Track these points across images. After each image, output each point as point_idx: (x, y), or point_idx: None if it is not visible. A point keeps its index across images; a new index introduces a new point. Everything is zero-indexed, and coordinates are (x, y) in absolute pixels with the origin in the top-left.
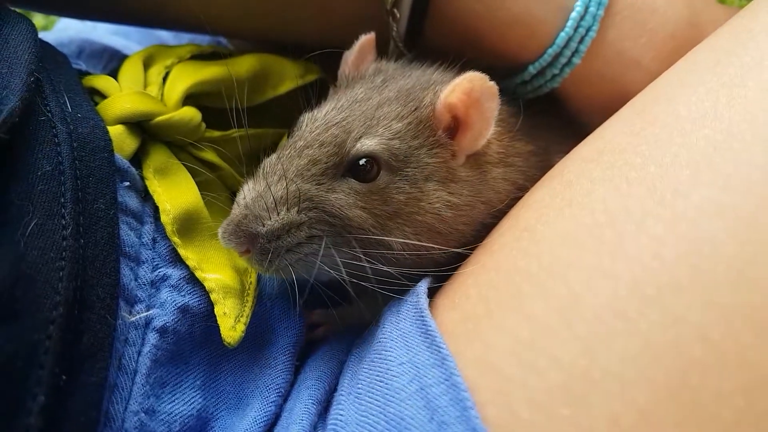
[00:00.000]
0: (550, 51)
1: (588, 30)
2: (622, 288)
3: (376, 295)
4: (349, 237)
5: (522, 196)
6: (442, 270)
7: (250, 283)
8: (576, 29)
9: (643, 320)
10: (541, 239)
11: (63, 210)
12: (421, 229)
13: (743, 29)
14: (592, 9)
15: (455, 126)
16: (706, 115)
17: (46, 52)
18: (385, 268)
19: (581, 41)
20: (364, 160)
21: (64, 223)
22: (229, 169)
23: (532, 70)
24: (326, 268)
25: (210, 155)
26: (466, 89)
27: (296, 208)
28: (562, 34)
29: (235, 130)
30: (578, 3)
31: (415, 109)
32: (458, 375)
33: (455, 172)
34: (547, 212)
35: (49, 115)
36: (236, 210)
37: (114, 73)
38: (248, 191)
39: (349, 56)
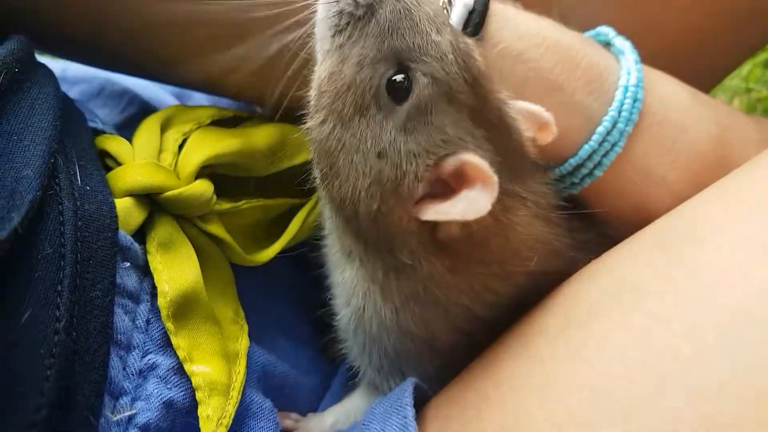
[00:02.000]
0: (572, 161)
1: (613, 145)
2: None
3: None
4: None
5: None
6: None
7: (238, 373)
8: (601, 143)
9: None
10: (554, 380)
11: (59, 299)
12: (334, 158)
13: None
14: (620, 125)
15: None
16: (736, 270)
17: (64, 110)
18: None
19: (605, 155)
20: (403, 76)
21: (58, 314)
22: (234, 244)
23: (551, 175)
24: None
25: (216, 229)
26: (480, 176)
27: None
28: (587, 146)
29: (245, 202)
30: (606, 117)
31: (459, 138)
32: None
33: (395, 201)
34: (561, 349)
35: (57, 188)
36: None
37: (131, 121)
38: None
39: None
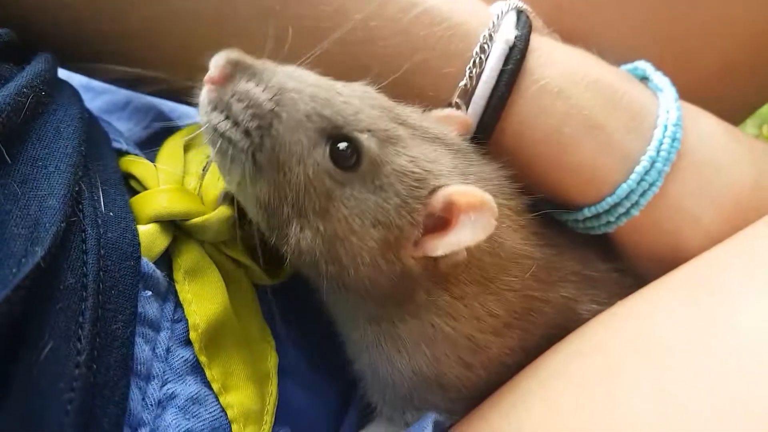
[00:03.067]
0: (610, 200)
1: (651, 185)
2: None
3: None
4: (266, 180)
5: None
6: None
7: (270, 394)
8: (639, 182)
9: None
10: None
11: (80, 332)
12: (326, 251)
13: None
14: (658, 165)
15: (434, 219)
16: (763, 333)
17: (88, 131)
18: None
19: (643, 194)
20: (347, 145)
21: (79, 347)
22: (254, 266)
23: (587, 213)
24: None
25: (238, 254)
26: (472, 203)
27: (275, 107)
28: (624, 186)
29: None
30: (645, 157)
31: (429, 171)
32: None
33: (399, 248)
34: (585, 403)
35: (81, 215)
36: (253, 59)
37: (156, 137)
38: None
39: (438, 112)
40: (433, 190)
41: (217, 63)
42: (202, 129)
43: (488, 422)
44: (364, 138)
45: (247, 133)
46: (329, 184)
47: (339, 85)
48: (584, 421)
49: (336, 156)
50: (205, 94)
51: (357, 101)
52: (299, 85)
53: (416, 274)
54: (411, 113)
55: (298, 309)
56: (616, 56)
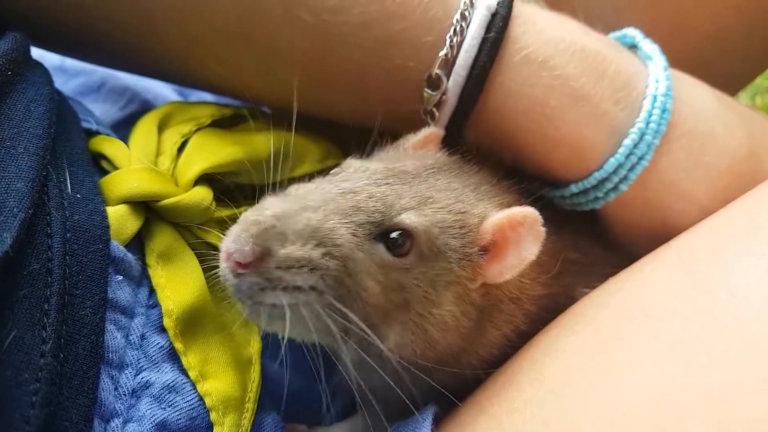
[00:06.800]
0: (597, 175)
1: (640, 159)
2: None
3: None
4: (346, 311)
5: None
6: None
7: (252, 381)
8: (628, 156)
9: None
10: (570, 411)
11: (45, 319)
12: (421, 336)
13: None
14: (647, 137)
15: (487, 250)
16: (761, 297)
17: (58, 111)
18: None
19: (631, 169)
20: (399, 233)
21: (44, 335)
22: None
23: (574, 189)
24: (312, 331)
25: (216, 238)
26: (517, 222)
27: (322, 250)
28: (612, 160)
29: (245, 208)
30: (634, 130)
31: (464, 212)
32: None
33: (470, 293)
34: (578, 377)
35: (46, 197)
36: (262, 215)
37: (132, 119)
38: (275, 204)
39: (412, 139)
40: (476, 226)
41: (239, 246)
42: (249, 314)
43: (479, 405)
44: (406, 218)
45: (312, 288)
46: (398, 276)
47: (345, 184)
48: (575, 395)
49: (393, 247)
50: (244, 280)
51: (373, 188)
52: (322, 212)
53: (481, 305)
54: (407, 161)
55: None
56: (605, 22)
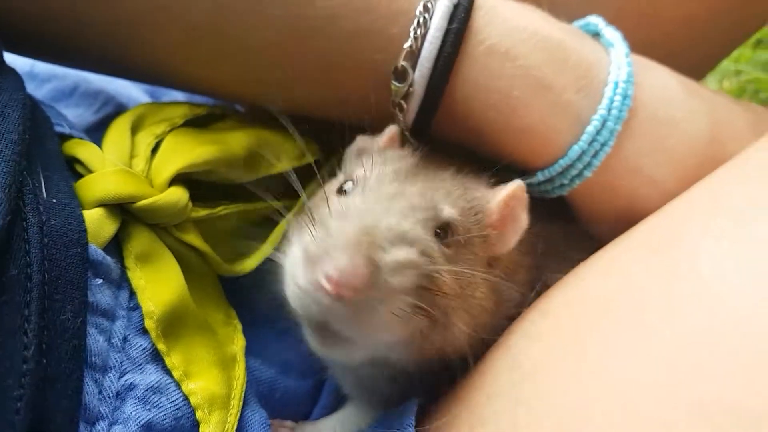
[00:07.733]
0: (562, 162)
1: (603, 145)
2: None
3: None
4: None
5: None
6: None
7: (237, 378)
8: (591, 143)
9: None
10: (547, 400)
11: (26, 325)
12: (475, 315)
13: None
14: (609, 124)
15: (494, 227)
16: (729, 279)
17: (31, 116)
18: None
19: (595, 155)
20: (444, 224)
21: (26, 341)
22: (212, 254)
23: (540, 176)
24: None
25: (193, 239)
26: (512, 196)
27: (416, 249)
28: (576, 147)
29: (222, 207)
30: (595, 117)
31: (475, 198)
32: None
33: (491, 271)
34: (552, 359)
35: (21, 203)
36: (346, 227)
37: (106, 122)
38: (342, 222)
39: (380, 141)
40: (485, 208)
41: (346, 265)
42: (324, 344)
43: (455, 395)
44: (446, 211)
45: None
46: (453, 266)
47: (385, 189)
48: (558, 384)
49: (442, 239)
50: (352, 301)
51: (408, 187)
52: (393, 216)
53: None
54: (398, 162)
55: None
56: (571, 10)
